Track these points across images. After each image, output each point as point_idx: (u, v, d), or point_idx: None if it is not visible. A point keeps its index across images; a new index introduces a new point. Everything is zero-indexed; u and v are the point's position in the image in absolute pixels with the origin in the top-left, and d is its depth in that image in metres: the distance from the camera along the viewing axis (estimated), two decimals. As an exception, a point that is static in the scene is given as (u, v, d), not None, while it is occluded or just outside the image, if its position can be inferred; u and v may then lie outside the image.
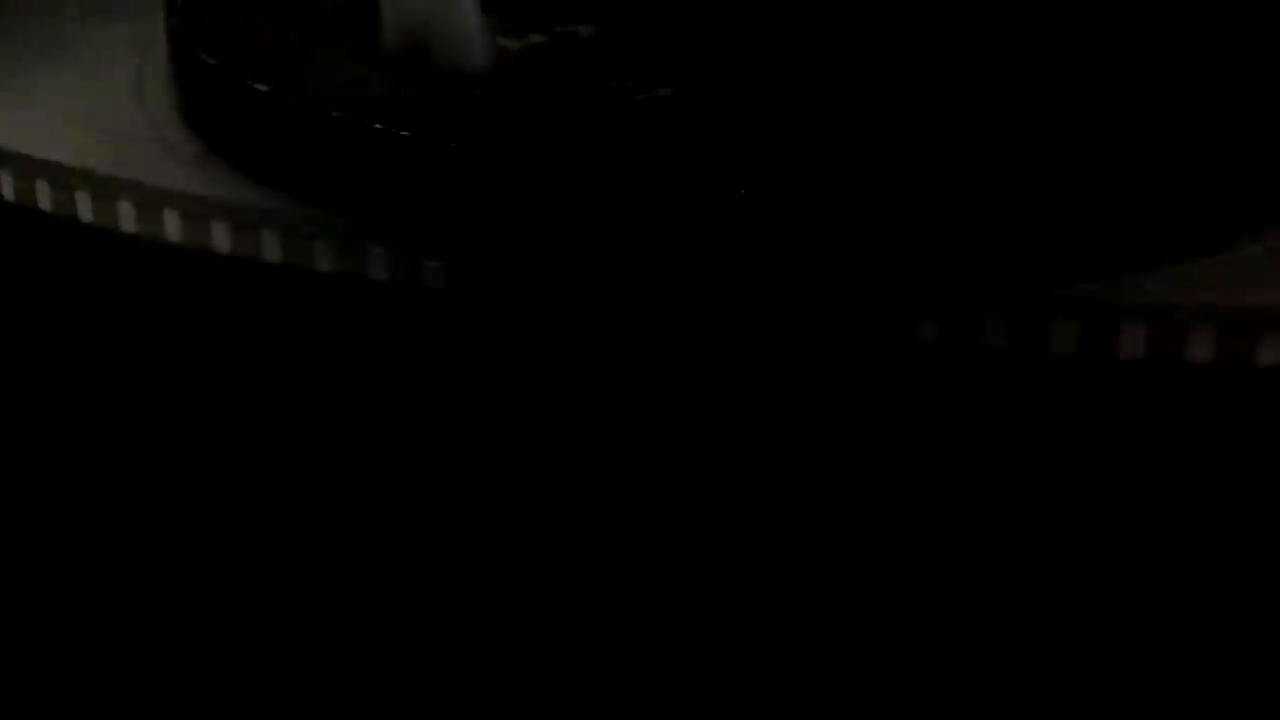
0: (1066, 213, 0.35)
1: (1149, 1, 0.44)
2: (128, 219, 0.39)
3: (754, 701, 0.39)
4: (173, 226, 0.38)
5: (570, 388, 0.38)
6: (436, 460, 0.39)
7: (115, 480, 0.42)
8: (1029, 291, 0.35)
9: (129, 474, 0.42)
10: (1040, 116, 0.38)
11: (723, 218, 0.35)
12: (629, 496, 0.38)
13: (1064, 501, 0.36)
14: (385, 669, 0.41)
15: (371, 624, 0.41)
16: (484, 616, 0.40)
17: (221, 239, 0.38)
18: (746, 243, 0.35)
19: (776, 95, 0.40)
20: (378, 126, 0.37)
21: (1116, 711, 0.38)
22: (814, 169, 0.36)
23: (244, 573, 0.42)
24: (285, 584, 0.41)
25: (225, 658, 0.42)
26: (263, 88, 0.39)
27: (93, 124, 0.41)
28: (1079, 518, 0.37)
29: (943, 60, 0.42)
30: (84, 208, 0.39)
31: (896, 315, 0.35)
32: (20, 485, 0.44)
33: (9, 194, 0.40)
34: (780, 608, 0.38)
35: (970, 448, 0.36)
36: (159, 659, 0.43)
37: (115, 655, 0.43)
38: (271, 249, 0.38)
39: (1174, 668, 0.37)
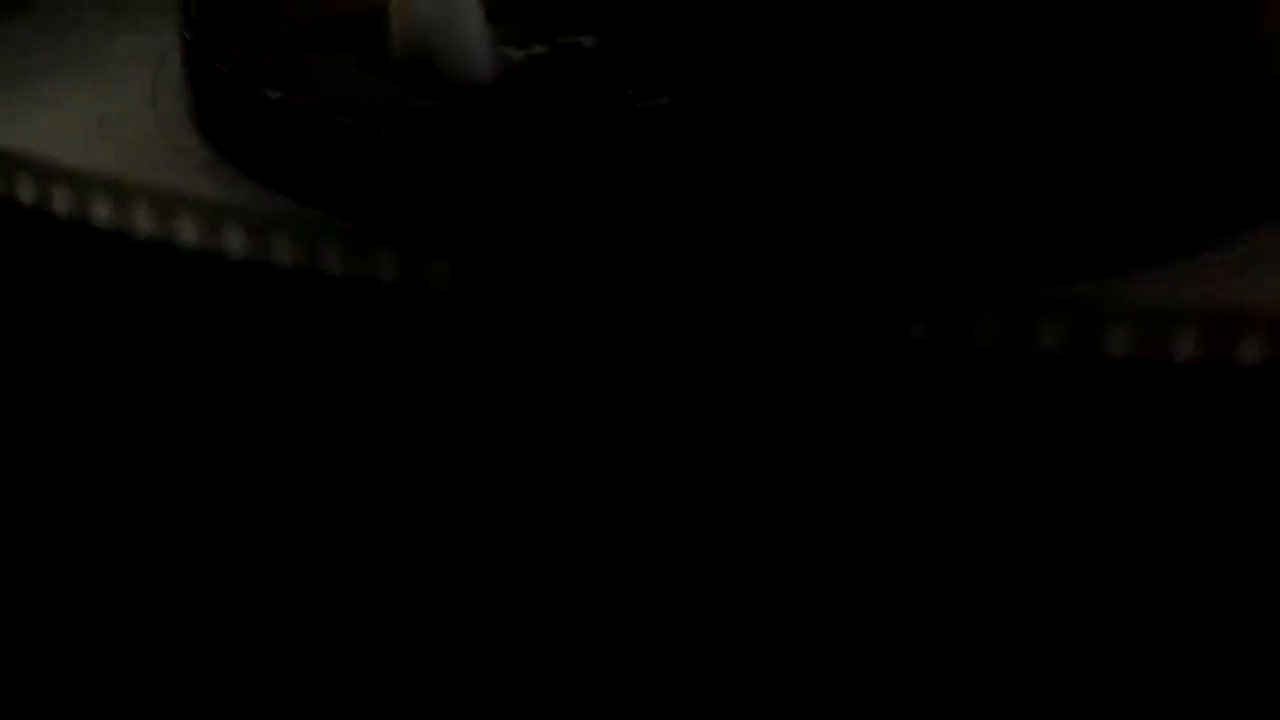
0: (1055, 213, 0.36)
1: (1135, 4, 0.44)
2: (142, 223, 0.40)
3: (744, 699, 0.40)
4: (186, 230, 0.39)
5: (569, 386, 0.38)
6: (446, 461, 0.40)
7: (129, 481, 0.43)
8: (1018, 291, 0.35)
9: (142, 475, 0.42)
10: (1028, 118, 0.39)
11: (719, 219, 0.36)
12: (630, 493, 0.39)
13: (1051, 499, 0.37)
14: (393, 673, 0.41)
15: (375, 625, 0.41)
16: (490, 617, 0.40)
17: (234, 242, 0.39)
18: (743, 243, 0.36)
19: (771, 101, 0.41)
20: (384, 133, 0.38)
21: (1098, 710, 0.38)
22: (807, 170, 0.36)
23: (256, 575, 0.42)
24: (294, 586, 0.42)
25: (230, 659, 0.43)
26: (274, 95, 0.40)
27: (109, 131, 0.42)
28: (1066, 515, 0.37)
29: (933, 61, 0.43)
30: (99, 212, 0.40)
31: (888, 314, 0.35)
32: (30, 489, 0.44)
33: (27, 198, 0.41)
34: (770, 603, 0.39)
35: (960, 445, 0.37)
36: (160, 659, 0.43)
37: (115, 655, 0.43)
38: (282, 252, 0.39)
39: (1156, 665, 0.38)
